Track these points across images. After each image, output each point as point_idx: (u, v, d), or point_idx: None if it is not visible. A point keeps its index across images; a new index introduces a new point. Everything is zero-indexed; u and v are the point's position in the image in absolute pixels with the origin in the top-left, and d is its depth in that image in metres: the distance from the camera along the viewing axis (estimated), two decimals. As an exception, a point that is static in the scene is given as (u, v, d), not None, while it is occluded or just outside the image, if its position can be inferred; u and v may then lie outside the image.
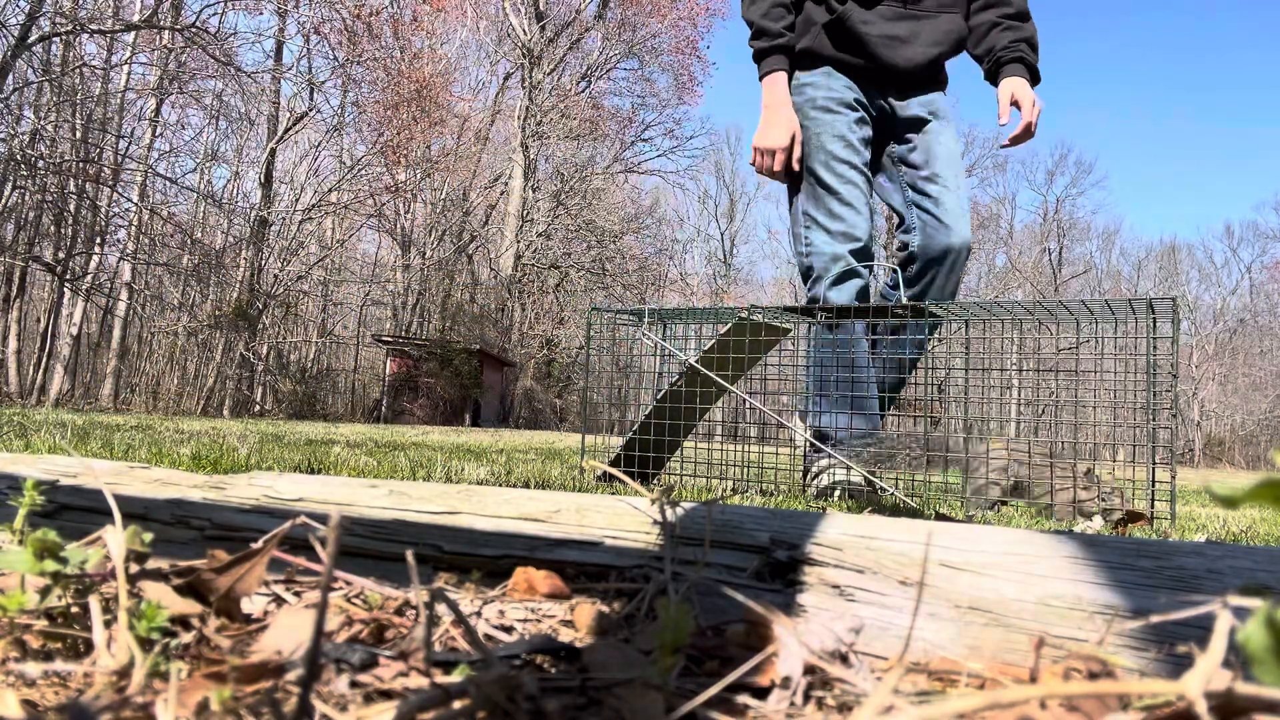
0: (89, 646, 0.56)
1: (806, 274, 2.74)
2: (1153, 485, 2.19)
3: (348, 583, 0.70)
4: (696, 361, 2.39)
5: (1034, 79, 2.75)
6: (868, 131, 2.83)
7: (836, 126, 2.74)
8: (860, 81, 2.82)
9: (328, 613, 0.51)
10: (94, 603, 0.55)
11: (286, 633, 0.57)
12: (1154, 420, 2.20)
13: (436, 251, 24.26)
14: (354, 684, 0.51)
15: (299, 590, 0.72)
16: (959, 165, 2.81)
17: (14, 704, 0.43)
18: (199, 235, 19.02)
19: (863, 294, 2.70)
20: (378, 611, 0.66)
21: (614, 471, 0.85)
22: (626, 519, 0.80)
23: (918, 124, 2.82)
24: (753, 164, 2.75)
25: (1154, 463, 2.16)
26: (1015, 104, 2.70)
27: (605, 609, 0.69)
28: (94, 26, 13.30)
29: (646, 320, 2.50)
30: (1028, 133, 2.69)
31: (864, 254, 2.71)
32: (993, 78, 2.82)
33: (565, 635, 0.66)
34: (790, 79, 2.82)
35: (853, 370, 2.60)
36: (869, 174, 2.80)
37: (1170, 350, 2.22)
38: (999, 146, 2.85)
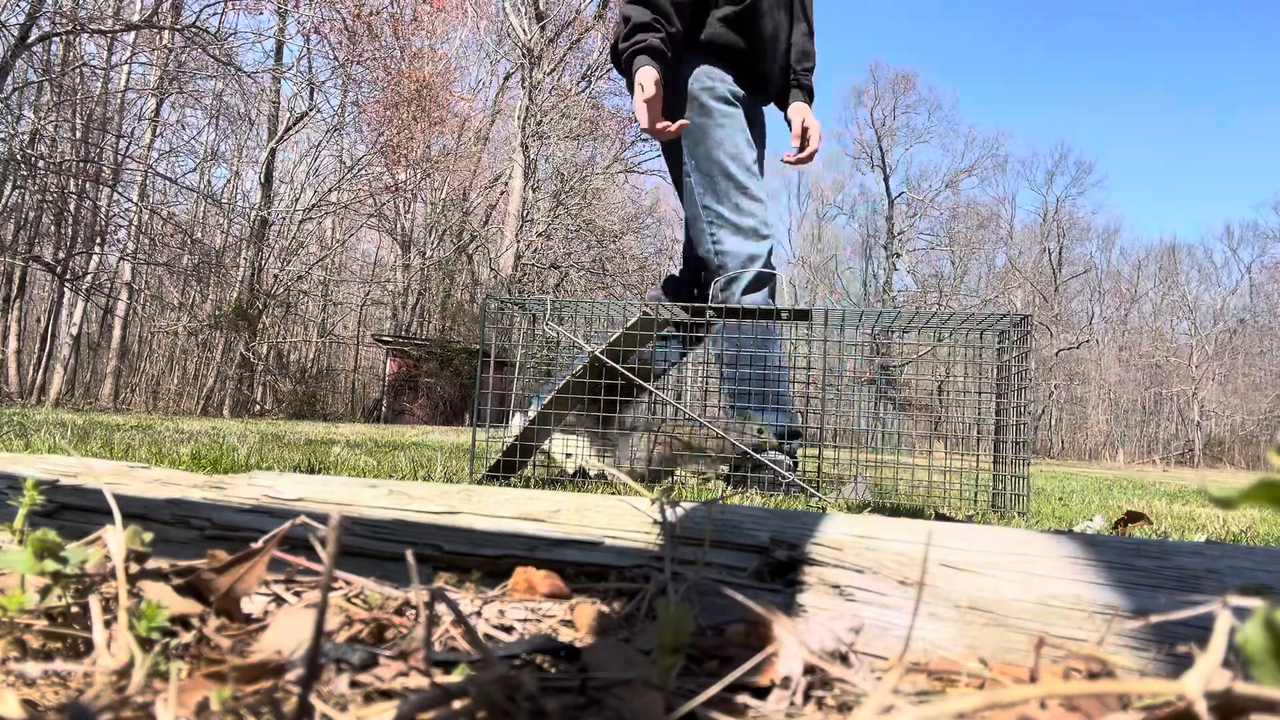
0: (89, 646, 0.56)
1: (716, 271, 2.71)
2: (1025, 479, 2.30)
3: (348, 583, 0.70)
4: (601, 353, 2.40)
5: (811, 100, 3.05)
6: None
7: (738, 120, 2.78)
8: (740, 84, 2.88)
9: (328, 612, 0.51)
10: (94, 603, 0.55)
11: (286, 632, 0.57)
12: (1016, 420, 2.35)
13: (436, 251, 24.25)
14: (354, 684, 0.51)
15: (299, 590, 0.72)
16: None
17: (14, 704, 0.43)
18: (199, 235, 19.02)
19: (773, 294, 2.73)
20: (378, 611, 0.66)
21: (619, 475, 0.85)
22: (626, 519, 0.80)
23: (762, 135, 3.02)
24: (647, 128, 2.65)
25: (1021, 459, 2.33)
26: (807, 127, 2.95)
27: (605, 609, 0.69)
28: (94, 26, 13.30)
29: (547, 311, 2.51)
30: (813, 155, 2.97)
31: (770, 250, 2.76)
32: (786, 93, 3.04)
33: (565, 635, 0.66)
34: (677, 66, 2.77)
35: (767, 369, 2.61)
36: None
37: (1021, 362, 2.36)
38: (780, 159, 3.02)
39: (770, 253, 2.73)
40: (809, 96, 3.03)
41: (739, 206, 2.67)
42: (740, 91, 2.83)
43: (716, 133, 2.72)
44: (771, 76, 2.93)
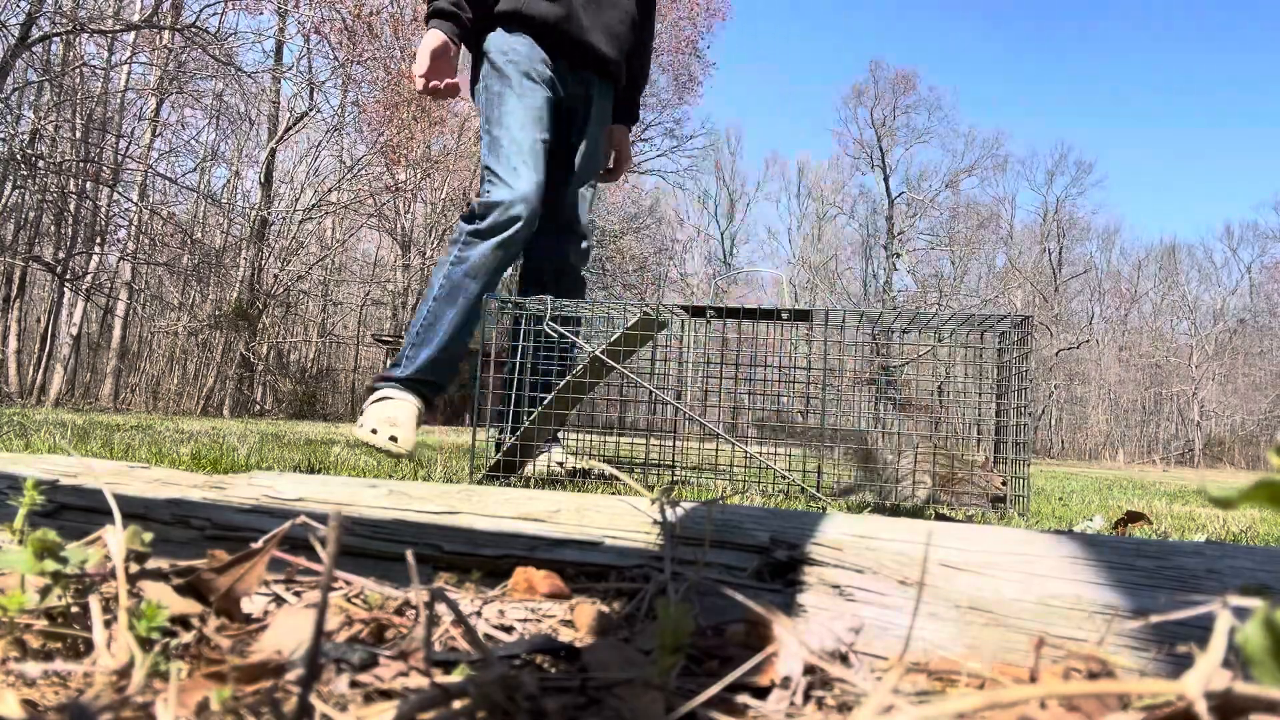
0: (89, 646, 0.56)
1: (478, 218, 2.70)
2: (1025, 479, 2.34)
3: (348, 582, 0.70)
4: (602, 353, 2.41)
5: (633, 124, 3.17)
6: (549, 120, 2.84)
7: (536, 95, 2.74)
8: (557, 64, 2.82)
9: (328, 612, 0.51)
10: (94, 603, 0.55)
11: (286, 632, 0.57)
12: (1016, 420, 2.37)
13: (436, 252, 24.25)
14: (354, 684, 0.51)
15: (299, 590, 0.72)
16: (597, 164, 3.00)
17: (14, 704, 0.43)
18: (199, 235, 19.02)
19: (504, 264, 2.71)
20: (378, 611, 0.66)
21: (614, 471, 0.85)
22: (626, 519, 0.80)
23: (590, 123, 2.93)
24: (419, 78, 2.70)
25: (1021, 458, 2.34)
26: (619, 155, 3.12)
27: (605, 609, 0.69)
28: (94, 26, 13.30)
29: (547, 311, 2.52)
30: (613, 179, 3.15)
31: (531, 223, 2.72)
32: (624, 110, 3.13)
33: (565, 635, 0.66)
34: (483, 33, 2.80)
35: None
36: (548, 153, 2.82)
37: (1022, 362, 2.37)
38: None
39: (525, 220, 2.69)
40: (633, 120, 3.15)
41: (515, 170, 2.69)
42: (549, 72, 2.77)
43: (511, 101, 2.73)
44: (604, 52, 2.85)
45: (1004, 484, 2.35)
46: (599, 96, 2.96)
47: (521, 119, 2.72)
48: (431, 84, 2.67)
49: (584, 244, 2.94)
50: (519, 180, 2.66)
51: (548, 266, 2.91)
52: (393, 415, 2.51)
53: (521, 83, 2.74)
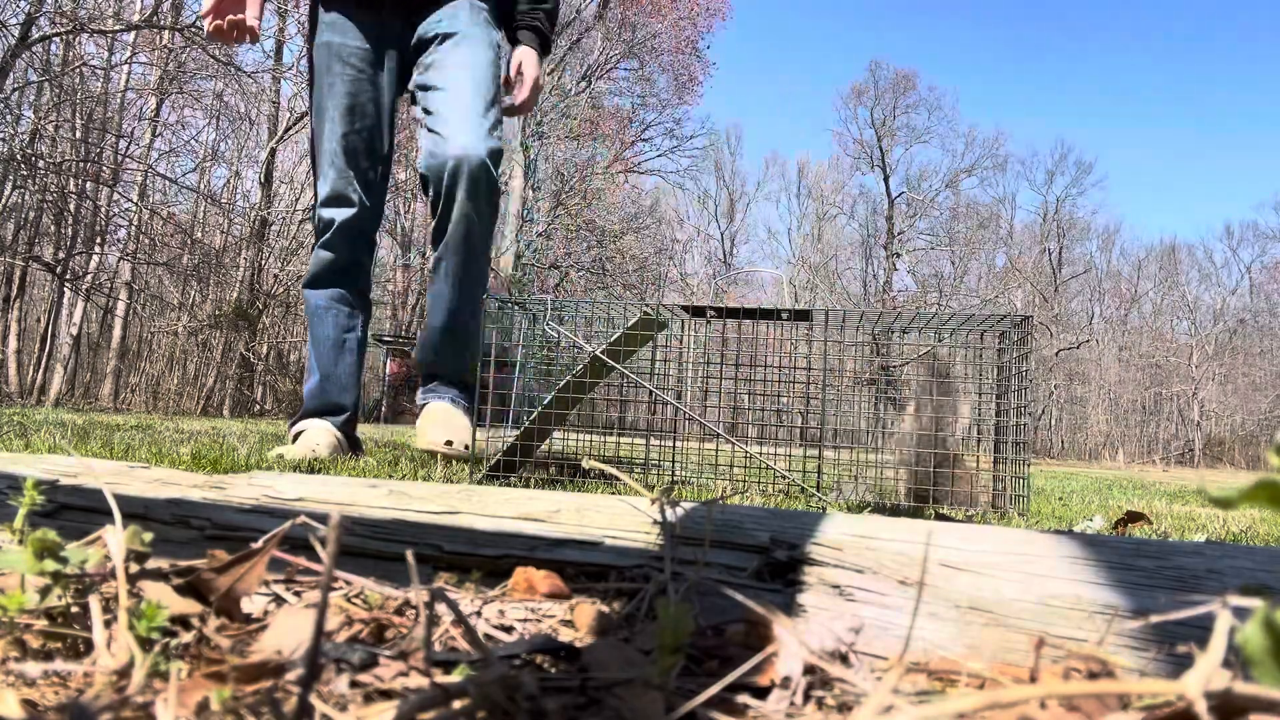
0: (89, 646, 0.56)
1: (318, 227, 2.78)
2: (1024, 480, 2.34)
3: (348, 582, 0.70)
4: (602, 353, 2.41)
5: (544, 48, 2.87)
6: (390, 84, 2.75)
7: (347, 82, 2.68)
8: (381, 11, 2.71)
9: (328, 612, 0.51)
10: (94, 602, 0.55)
11: (286, 632, 0.57)
12: (1017, 419, 2.37)
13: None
14: (354, 684, 0.51)
15: (299, 590, 0.72)
16: (477, 72, 2.62)
17: (14, 704, 0.43)
18: (199, 235, 19.01)
19: (339, 269, 2.72)
20: (378, 611, 0.66)
21: (612, 470, 0.85)
22: (626, 519, 0.80)
23: (435, 42, 2.72)
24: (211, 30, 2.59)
25: (1021, 459, 2.34)
26: (520, 74, 2.82)
27: (605, 609, 0.69)
28: (94, 26, 13.29)
29: (547, 311, 2.52)
30: (525, 106, 2.85)
31: (358, 224, 2.73)
32: (511, 37, 2.89)
33: (565, 635, 0.66)
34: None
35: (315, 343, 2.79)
36: (385, 137, 2.76)
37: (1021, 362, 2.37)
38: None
39: (340, 221, 2.68)
40: (537, 41, 2.83)
41: (324, 174, 2.72)
42: (364, 44, 2.69)
43: (321, 96, 2.70)
44: None
45: (1002, 490, 2.35)
46: (448, 20, 2.71)
47: (331, 114, 2.69)
48: (214, 22, 2.55)
49: (481, 145, 2.51)
50: (325, 184, 2.71)
51: (445, 184, 2.57)
52: (311, 442, 2.63)
53: (331, 69, 2.69)
